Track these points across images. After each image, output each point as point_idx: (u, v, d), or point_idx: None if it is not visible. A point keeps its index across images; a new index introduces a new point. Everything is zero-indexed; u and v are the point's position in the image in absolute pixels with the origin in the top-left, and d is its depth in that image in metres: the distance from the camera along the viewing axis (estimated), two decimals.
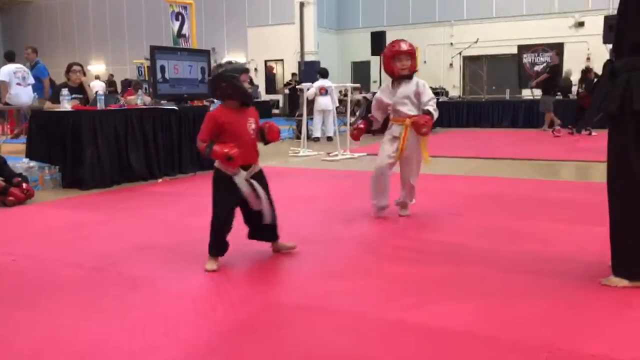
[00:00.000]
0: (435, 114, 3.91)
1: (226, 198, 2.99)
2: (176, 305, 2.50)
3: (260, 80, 21.90)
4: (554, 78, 12.24)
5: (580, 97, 11.53)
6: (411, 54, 3.96)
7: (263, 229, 3.16)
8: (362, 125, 4.20)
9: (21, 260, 3.25)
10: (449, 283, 2.74)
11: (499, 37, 19.50)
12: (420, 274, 2.89)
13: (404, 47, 3.95)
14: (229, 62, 3.02)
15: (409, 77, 4.01)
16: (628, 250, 2.58)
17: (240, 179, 2.97)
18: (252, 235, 3.21)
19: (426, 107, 3.91)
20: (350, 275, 2.91)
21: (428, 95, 3.96)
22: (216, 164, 3.00)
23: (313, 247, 3.40)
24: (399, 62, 3.94)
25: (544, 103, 12.21)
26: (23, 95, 9.00)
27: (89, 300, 2.59)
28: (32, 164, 5.74)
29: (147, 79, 18.16)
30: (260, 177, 3.09)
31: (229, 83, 2.92)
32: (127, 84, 17.28)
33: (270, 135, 3.09)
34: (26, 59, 10.07)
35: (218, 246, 3.01)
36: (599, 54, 14.46)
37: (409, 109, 3.97)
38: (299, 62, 21.56)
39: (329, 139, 10.89)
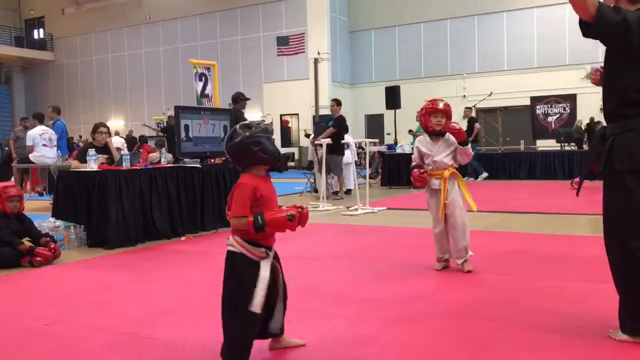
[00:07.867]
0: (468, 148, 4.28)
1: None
2: None
3: (275, 134, 22.29)
4: (340, 132, 9.92)
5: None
6: (446, 113, 4.26)
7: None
8: (423, 171, 4.28)
9: (53, 325, 3.25)
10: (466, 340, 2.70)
11: (511, 89, 19.76)
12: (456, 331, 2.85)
13: (440, 105, 4.28)
14: (247, 125, 2.55)
15: (443, 133, 4.29)
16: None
17: (267, 265, 2.47)
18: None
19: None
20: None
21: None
22: (235, 247, 2.46)
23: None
24: (435, 118, 4.25)
25: (335, 166, 9.82)
26: (48, 155, 9.22)
27: None
28: (58, 223, 5.81)
29: (164, 134, 18.50)
30: (277, 259, 2.63)
31: (263, 146, 2.50)
32: (143, 140, 17.61)
33: (304, 222, 2.50)
34: (49, 118, 10.35)
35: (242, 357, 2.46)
36: None
37: (447, 162, 4.26)
38: (314, 116, 21.92)
39: (347, 192, 10.91)
